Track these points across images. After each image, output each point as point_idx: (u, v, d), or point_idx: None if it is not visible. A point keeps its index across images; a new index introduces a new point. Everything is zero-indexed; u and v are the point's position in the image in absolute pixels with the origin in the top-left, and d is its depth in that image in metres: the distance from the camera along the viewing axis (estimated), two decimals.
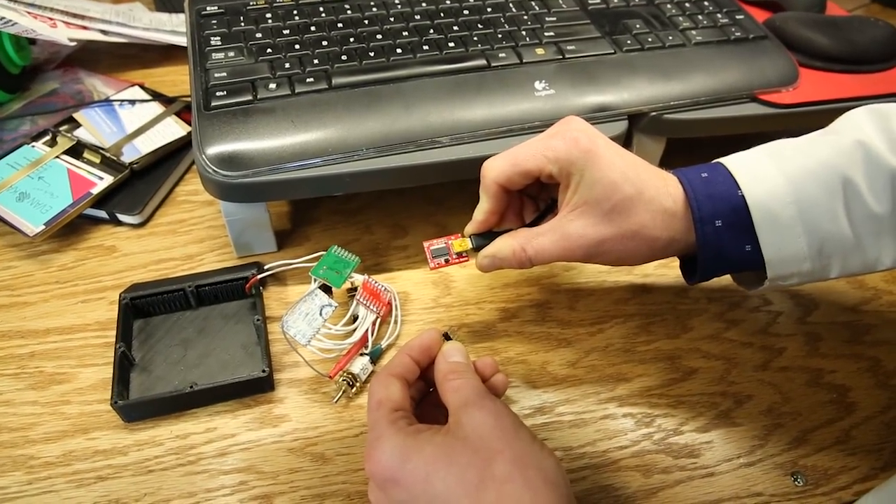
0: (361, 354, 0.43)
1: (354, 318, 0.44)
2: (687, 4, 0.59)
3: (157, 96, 0.64)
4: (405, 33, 0.52)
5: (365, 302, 0.44)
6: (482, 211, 0.40)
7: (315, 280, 0.43)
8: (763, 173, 0.36)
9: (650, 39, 0.55)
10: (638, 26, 0.56)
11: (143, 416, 0.42)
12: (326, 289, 0.43)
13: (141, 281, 0.48)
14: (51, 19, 0.65)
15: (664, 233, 0.37)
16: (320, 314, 0.42)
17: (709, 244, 0.36)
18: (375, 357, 0.44)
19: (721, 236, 0.36)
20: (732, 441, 0.42)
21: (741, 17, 0.59)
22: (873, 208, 0.35)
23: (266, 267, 0.46)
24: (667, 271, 0.52)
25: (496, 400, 0.33)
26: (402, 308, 0.48)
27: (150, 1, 0.80)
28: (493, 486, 0.29)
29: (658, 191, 0.37)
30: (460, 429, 0.31)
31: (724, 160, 0.38)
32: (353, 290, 0.47)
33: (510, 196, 0.40)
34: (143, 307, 0.47)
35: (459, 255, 0.41)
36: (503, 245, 0.39)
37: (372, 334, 0.44)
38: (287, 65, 0.48)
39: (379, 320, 0.45)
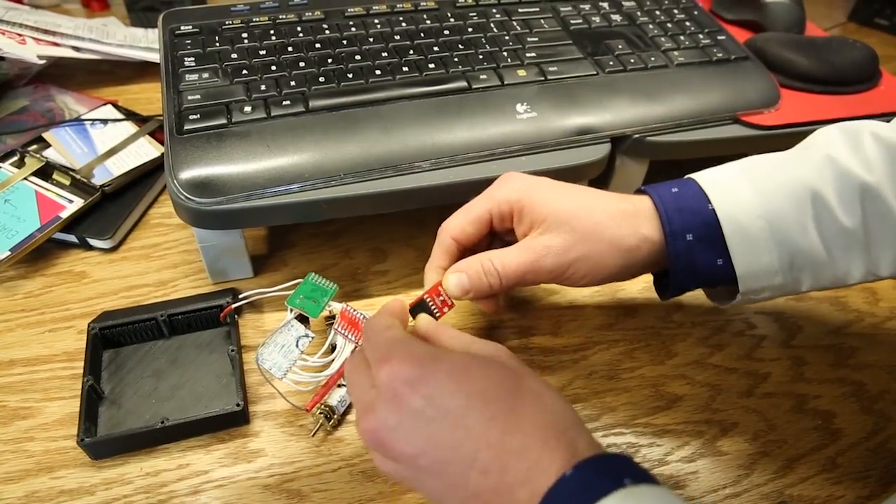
0: (339, 386, 0.42)
1: (332, 348, 0.43)
2: (669, 25, 0.59)
3: (130, 115, 0.62)
4: (384, 54, 0.51)
5: (343, 331, 0.43)
6: (433, 267, 0.39)
7: (291, 310, 0.42)
8: (733, 188, 0.36)
9: (632, 60, 0.54)
10: (620, 47, 0.55)
11: (112, 452, 0.40)
12: (303, 318, 0.42)
13: (112, 309, 0.46)
14: (19, 35, 0.63)
15: (629, 232, 0.36)
16: (297, 346, 0.40)
17: (680, 258, 0.36)
18: None
19: (692, 250, 0.36)
20: (718, 471, 0.41)
21: (723, 37, 0.59)
22: (843, 222, 0.35)
23: (241, 295, 0.45)
24: (650, 295, 0.51)
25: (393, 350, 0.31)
26: None
27: (124, 16, 0.79)
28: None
29: (613, 199, 0.38)
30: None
31: (693, 176, 0.38)
32: (332, 318, 0.45)
33: (464, 254, 0.39)
34: (112, 337, 0.45)
35: (444, 301, 0.39)
36: (472, 260, 0.38)
37: None
38: (263, 87, 0.47)
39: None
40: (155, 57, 0.69)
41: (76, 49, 0.67)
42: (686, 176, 0.39)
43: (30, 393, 0.43)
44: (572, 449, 0.28)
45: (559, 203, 0.37)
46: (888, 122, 0.39)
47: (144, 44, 0.70)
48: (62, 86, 0.67)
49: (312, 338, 0.41)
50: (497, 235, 0.41)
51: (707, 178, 0.37)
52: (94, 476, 0.39)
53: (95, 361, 0.43)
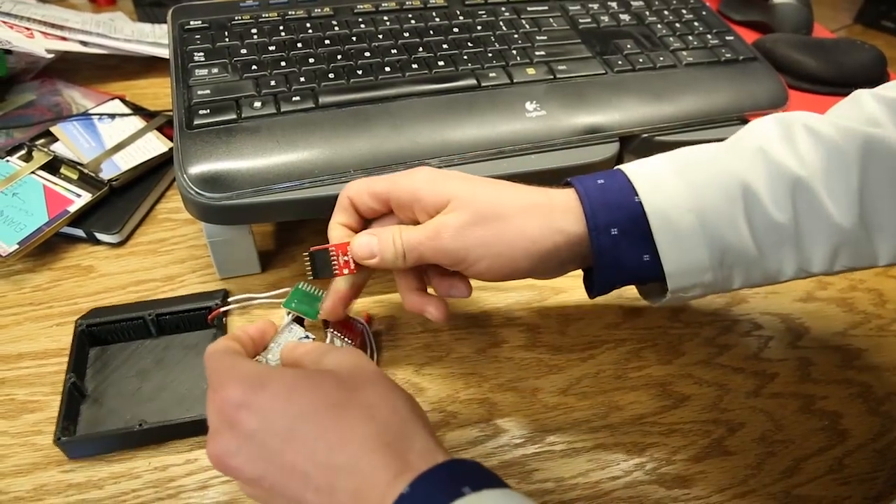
0: None
1: None
2: (678, 25, 0.59)
3: (137, 110, 0.62)
4: (394, 51, 0.51)
5: (339, 334, 0.43)
6: (333, 224, 0.38)
7: (289, 313, 0.41)
8: (662, 179, 0.34)
9: (641, 60, 0.54)
10: (629, 46, 0.55)
11: (89, 453, 0.39)
12: (299, 320, 0.42)
13: (102, 306, 0.46)
14: (28, 29, 0.63)
15: (540, 223, 0.34)
16: None
17: (605, 254, 0.34)
18: None
19: (617, 245, 0.34)
20: (725, 470, 0.41)
21: (731, 38, 0.59)
22: (774, 217, 0.34)
23: (230, 300, 0.45)
24: None
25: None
26: (388, 333, 0.47)
27: (132, 11, 0.79)
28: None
29: (526, 192, 0.36)
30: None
31: (622, 167, 0.36)
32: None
33: (359, 219, 0.39)
34: (99, 334, 0.44)
35: (346, 262, 0.37)
36: (386, 228, 0.36)
37: None
38: (273, 82, 0.47)
39: None
40: (162, 52, 0.69)
41: (84, 44, 0.67)
42: (615, 167, 0.37)
43: (38, 386, 0.43)
44: (402, 461, 0.27)
45: (462, 189, 0.35)
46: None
47: (152, 39, 0.70)
48: (69, 80, 0.67)
49: (313, 339, 0.41)
50: None
51: (635, 170, 0.35)
52: (103, 470, 0.39)
53: (81, 359, 0.43)
